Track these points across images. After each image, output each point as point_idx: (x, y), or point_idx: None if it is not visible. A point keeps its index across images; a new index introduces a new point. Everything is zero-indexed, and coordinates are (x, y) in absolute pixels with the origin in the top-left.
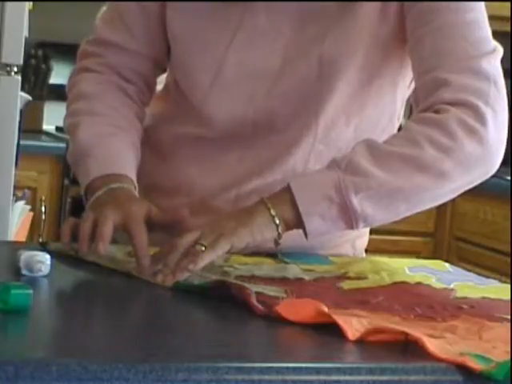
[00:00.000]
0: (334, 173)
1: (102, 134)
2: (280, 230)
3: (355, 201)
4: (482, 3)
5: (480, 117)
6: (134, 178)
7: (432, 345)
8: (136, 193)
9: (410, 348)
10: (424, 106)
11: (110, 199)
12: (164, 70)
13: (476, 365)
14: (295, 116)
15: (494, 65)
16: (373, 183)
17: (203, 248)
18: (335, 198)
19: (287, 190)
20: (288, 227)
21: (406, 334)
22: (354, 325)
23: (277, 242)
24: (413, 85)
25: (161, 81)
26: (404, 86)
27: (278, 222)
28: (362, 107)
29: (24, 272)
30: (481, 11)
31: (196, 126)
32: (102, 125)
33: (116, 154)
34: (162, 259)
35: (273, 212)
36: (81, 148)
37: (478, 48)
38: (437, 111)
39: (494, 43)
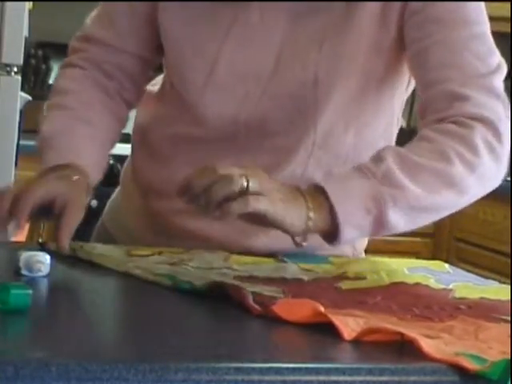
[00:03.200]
0: (370, 183)
1: (66, 126)
2: (307, 235)
3: (391, 214)
4: (485, 14)
5: (497, 134)
6: (91, 171)
7: (427, 345)
8: (84, 182)
9: (409, 349)
10: (441, 115)
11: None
12: (157, 70)
13: (471, 365)
14: (290, 121)
15: (500, 81)
16: (410, 197)
17: (245, 184)
18: (373, 209)
19: (324, 195)
20: (316, 232)
21: (402, 334)
22: (350, 325)
23: (299, 244)
24: (410, 88)
25: (156, 82)
26: (402, 90)
27: (310, 226)
28: (361, 113)
29: (24, 272)
30: (486, 23)
31: (191, 126)
32: (69, 118)
33: (74, 145)
34: (201, 189)
35: (312, 214)
36: (42, 140)
37: (487, 64)
38: (457, 123)
39: (498, 56)
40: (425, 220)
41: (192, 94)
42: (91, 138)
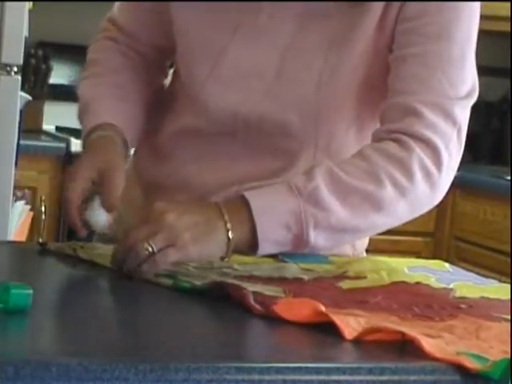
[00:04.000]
0: (295, 201)
1: (98, 91)
2: (230, 253)
3: (312, 234)
4: (474, 39)
5: (438, 161)
6: (124, 125)
7: (428, 344)
8: (118, 138)
9: (409, 348)
10: (391, 127)
11: (90, 146)
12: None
13: (472, 364)
14: (290, 123)
15: (464, 112)
16: (332, 219)
17: (150, 249)
18: (293, 228)
19: (246, 207)
20: (238, 247)
21: (403, 334)
22: (351, 324)
23: (223, 259)
24: None
25: None
26: None
27: (231, 245)
28: (361, 115)
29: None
30: (471, 48)
31: (193, 117)
32: (100, 84)
33: (106, 106)
34: (120, 263)
35: (231, 235)
36: (81, 107)
37: (456, 90)
38: (400, 143)
39: (473, 85)
40: (346, 240)
41: (196, 85)
42: (122, 99)
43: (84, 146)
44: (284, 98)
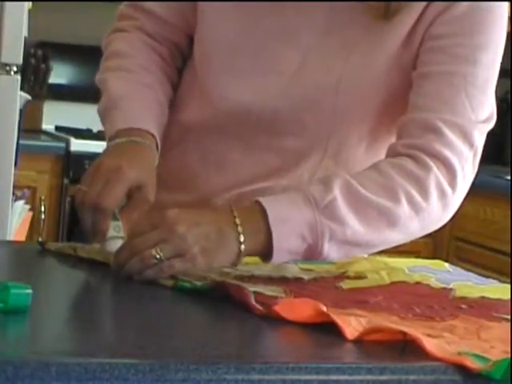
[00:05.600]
0: (311, 212)
1: (131, 89)
2: (239, 263)
3: (326, 246)
4: (499, 62)
5: (454, 181)
6: (158, 136)
7: (430, 344)
8: (156, 151)
9: (409, 348)
10: (411, 142)
11: (129, 150)
12: None
13: (473, 364)
14: (303, 124)
15: (481, 136)
16: (348, 233)
17: (157, 256)
18: (308, 238)
19: (263, 215)
20: (251, 254)
21: (404, 334)
22: (352, 324)
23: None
24: None
25: None
26: None
27: (242, 256)
28: (376, 128)
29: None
30: (494, 73)
31: (203, 111)
32: (132, 81)
33: (142, 109)
34: (117, 261)
35: (243, 247)
36: (109, 100)
37: (477, 113)
38: (417, 160)
39: (492, 111)
40: (357, 253)
41: (212, 75)
42: (154, 101)
43: (112, 143)
44: (300, 98)
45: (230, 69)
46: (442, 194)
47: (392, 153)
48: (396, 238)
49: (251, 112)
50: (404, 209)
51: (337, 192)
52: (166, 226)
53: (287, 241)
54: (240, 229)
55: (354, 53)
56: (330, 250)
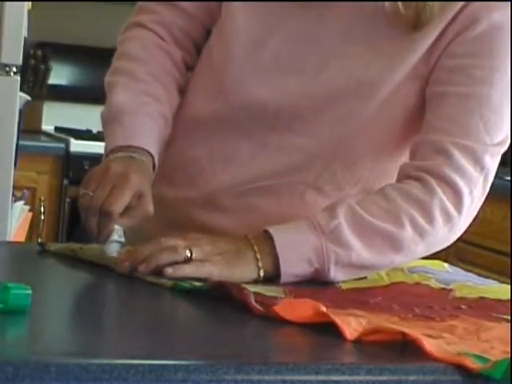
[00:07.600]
0: (317, 238)
1: (135, 102)
2: (261, 278)
3: (332, 270)
4: None
5: (460, 204)
6: (156, 156)
7: (429, 344)
8: (152, 171)
9: (408, 348)
10: (418, 164)
11: (131, 162)
12: None
13: (473, 364)
14: (317, 126)
15: (494, 159)
16: (353, 257)
17: (189, 254)
18: (315, 263)
19: (270, 242)
20: (265, 275)
21: (404, 334)
22: (352, 324)
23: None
24: None
25: None
26: None
27: (261, 274)
28: (386, 138)
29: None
30: (509, 97)
31: (213, 102)
32: (138, 92)
33: (143, 127)
34: (143, 253)
35: (260, 264)
36: (112, 111)
37: (491, 137)
38: (424, 183)
39: (507, 133)
40: (362, 275)
41: (231, 69)
42: (158, 115)
43: (112, 156)
44: (319, 99)
45: (251, 64)
46: (448, 218)
47: (402, 173)
48: (401, 260)
49: (268, 109)
50: (408, 233)
51: (341, 218)
52: (191, 238)
53: (294, 265)
54: (256, 248)
55: (375, 60)
56: (337, 273)
